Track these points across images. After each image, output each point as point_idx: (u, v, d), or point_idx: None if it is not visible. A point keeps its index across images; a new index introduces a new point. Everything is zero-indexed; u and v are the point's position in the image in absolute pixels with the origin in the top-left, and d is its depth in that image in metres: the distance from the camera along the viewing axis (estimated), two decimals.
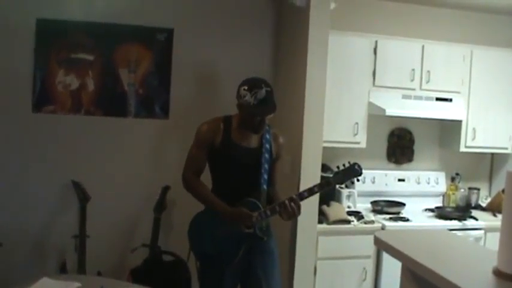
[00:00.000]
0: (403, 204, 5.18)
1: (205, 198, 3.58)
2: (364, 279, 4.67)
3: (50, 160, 4.61)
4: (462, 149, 5.31)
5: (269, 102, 3.47)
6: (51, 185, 4.61)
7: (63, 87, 4.62)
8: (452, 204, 5.50)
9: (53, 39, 4.58)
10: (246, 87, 3.45)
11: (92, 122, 4.70)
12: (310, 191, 3.51)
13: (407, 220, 4.90)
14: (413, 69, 5.03)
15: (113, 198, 4.68)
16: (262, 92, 3.43)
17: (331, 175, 3.64)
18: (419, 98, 5.08)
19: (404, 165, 5.58)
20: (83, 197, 4.40)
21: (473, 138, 5.28)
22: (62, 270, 4.47)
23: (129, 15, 4.70)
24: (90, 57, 4.66)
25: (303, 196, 3.49)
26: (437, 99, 5.14)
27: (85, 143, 4.69)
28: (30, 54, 4.53)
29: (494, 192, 5.66)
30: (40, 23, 4.52)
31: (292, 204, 3.43)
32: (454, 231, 4.22)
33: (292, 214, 3.46)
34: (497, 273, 2.24)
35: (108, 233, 4.69)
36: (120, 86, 4.75)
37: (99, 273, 4.43)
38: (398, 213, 5.06)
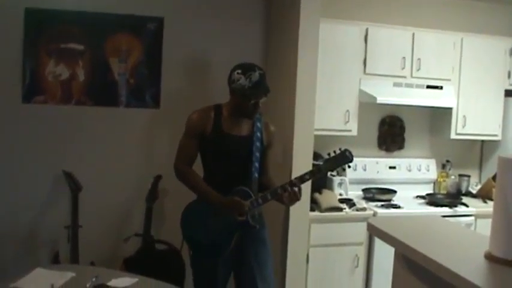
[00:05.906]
0: (395, 192, 5.20)
1: (197, 187, 3.57)
2: (357, 266, 4.69)
3: (41, 151, 4.58)
4: (453, 136, 5.35)
5: (263, 84, 3.47)
6: (42, 176, 4.59)
7: (53, 77, 4.59)
8: (443, 191, 5.53)
9: (43, 29, 4.54)
10: (239, 71, 3.45)
11: (83, 112, 4.67)
12: (301, 179, 3.49)
13: (399, 207, 4.92)
14: (404, 57, 5.04)
15: (105, 188, 4.67)
16: (256, 75, 3.43)
17: (322, 163, 3.65)
18: (410, 85, 5.10)
19: (395, 153, 5.60)
20: (75, 187, 4.39)
21: (464, 126, 5.31)
22: (55, 261, 4.45)
23: (119, 5, 4.67)
24: (80, 47, 4.63)
25: (294, 184, 3.48)
26: (428, 86, 5.16)
27: (76, 133, 4.66)
28: (19, 45, 4.48)
29: (484, 179, 5.69)
30: (29, 12, 4.48)
31: (294, 188, 3.44)
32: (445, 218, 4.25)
33: (294, 197, 3.47)
34: (489, 257, 2.27)
35: (101, 222, 4.68)
36: (110, 75, 4.72)
37: (92, 263, 4.44)
38: (390, 200, 5.09)
